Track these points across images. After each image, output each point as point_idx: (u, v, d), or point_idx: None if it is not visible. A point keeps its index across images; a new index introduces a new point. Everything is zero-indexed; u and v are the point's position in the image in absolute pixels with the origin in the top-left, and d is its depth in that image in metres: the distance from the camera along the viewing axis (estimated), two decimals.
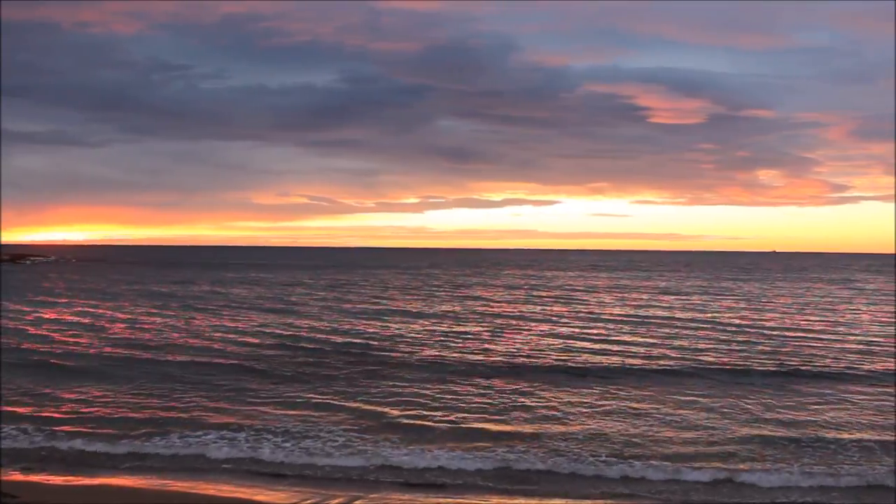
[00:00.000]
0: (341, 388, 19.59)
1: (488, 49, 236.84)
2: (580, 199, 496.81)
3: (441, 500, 11.56)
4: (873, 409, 18.11)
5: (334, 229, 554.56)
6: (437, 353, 25.49)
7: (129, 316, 36.67)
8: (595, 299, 51.76)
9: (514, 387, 20.10)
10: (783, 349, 27.43)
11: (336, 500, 11.09)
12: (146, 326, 32.22)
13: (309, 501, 11.03)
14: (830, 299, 53.93)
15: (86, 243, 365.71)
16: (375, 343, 27.82)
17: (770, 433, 15.73)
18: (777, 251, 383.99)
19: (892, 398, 19.18)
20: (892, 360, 25.05)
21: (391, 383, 20.34)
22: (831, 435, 15.60)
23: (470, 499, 11.60)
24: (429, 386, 19.98)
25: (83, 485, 11.81)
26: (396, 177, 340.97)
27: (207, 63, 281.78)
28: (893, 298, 54.75)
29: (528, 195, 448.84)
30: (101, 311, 38.95)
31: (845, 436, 15.57)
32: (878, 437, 15.51)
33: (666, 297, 53.99)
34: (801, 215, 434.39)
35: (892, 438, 15.34)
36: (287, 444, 14.35)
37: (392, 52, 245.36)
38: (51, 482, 11.87)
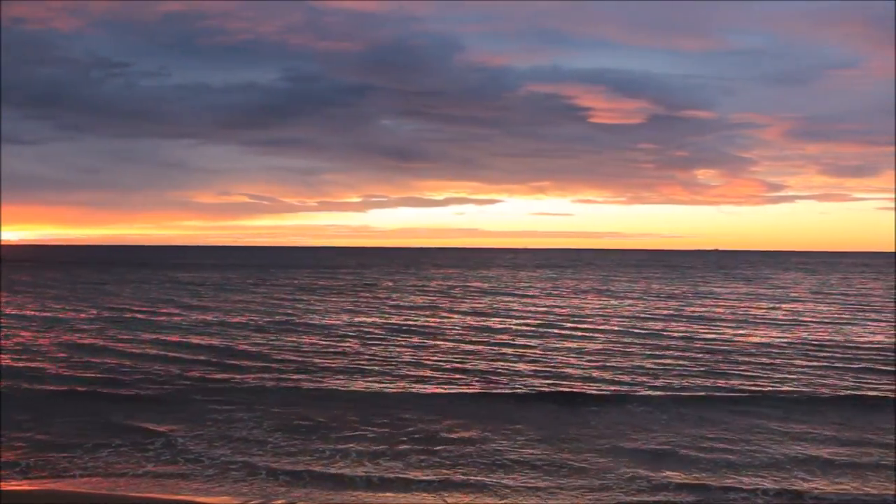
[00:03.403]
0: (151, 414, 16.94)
1: (430, 49, 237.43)
2: (522, 198, 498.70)
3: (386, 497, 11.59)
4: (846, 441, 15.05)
5: (277, 228, 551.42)
6: (306, 377, 21.94)
7: None
8: (519, 304, 49.26)
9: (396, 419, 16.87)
10: (724, 365, 24.26)
11: (279, 501, 11.20)
12: None
13: (253, 503, 11.14)
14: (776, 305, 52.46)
15: (20, 243, 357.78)
16: (228, 361, 24.33)
17: (712, 481, 12.57)
18: (719, 249, 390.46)
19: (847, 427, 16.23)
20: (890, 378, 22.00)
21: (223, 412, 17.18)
22: (807, 484, 12.37)
23: (408, 498, 11.65)
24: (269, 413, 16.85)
25: (29, 490, 11.67)
26: (339, 176, 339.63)
27: (148, 61, 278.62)
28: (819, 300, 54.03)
29: (471, 194, 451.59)
30: None
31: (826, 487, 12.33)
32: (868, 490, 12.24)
33: (598, 302, 51.94)
34: (739, 214, 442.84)
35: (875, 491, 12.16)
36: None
37: (335, 51, 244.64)
38: None
